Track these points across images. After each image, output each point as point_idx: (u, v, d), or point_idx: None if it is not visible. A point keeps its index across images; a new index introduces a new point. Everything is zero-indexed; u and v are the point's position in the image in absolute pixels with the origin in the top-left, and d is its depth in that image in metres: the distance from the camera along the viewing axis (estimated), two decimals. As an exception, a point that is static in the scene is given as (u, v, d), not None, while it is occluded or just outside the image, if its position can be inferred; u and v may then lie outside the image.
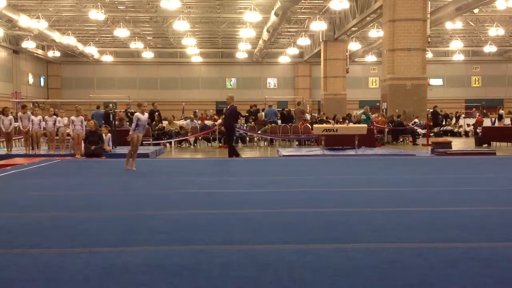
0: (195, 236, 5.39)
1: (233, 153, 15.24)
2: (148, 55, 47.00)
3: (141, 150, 16.64)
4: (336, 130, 17.29)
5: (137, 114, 11.93)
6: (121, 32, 34.89)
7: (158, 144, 19.39)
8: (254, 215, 6.52)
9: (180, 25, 32.28)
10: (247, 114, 24.75)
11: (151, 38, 44.34)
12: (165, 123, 22.05)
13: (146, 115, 12.12)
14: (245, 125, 23.22)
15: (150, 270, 4.20)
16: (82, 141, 15.42)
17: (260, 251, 4.79)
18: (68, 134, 16.04)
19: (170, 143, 20.73)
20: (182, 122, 22.85)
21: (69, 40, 38.50)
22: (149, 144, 18.69)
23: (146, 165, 12.94)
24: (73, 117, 15.43)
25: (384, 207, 6.99)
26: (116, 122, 18.93)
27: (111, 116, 18.91)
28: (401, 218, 6.25)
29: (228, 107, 15.37)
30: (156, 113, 21.53)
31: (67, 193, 8.66)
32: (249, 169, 12.38)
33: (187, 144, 21.13)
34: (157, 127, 20.63)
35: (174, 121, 22.43)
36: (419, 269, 4.15)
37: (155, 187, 9.25)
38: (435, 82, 48.23)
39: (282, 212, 6.72)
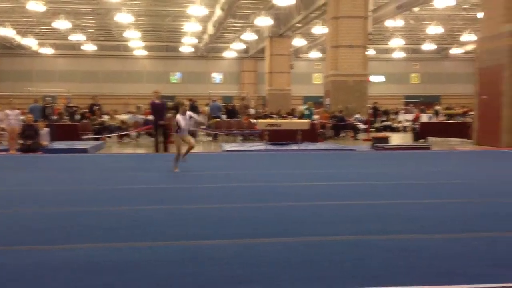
0: (135, 232, 5.31)
1: (159, 148, 15.40)
2: (89, 47, 45.85)
3: (80, 145, 16.29)
4: (280, 125, 17.42)
5: (178, 116, 10.62)
6: (62, 24, 33.86)
7: (98, 139, 18.98)
8: (196, 210, 6.49)
9: (123, 18, 31.63)
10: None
11: (93, 30, 43.26)
12: (106, 117, 21.61)
13: (188, 114, 10.75)
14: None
15: (90, 267, 4.11)
16: (18, 136, 14.89)
17: (204, 246, 4.77)
18: (3, 129, 15.47)
19: (117, 137, 20.32)
20: (124, 117, 22.44)
21: (7, 32, 37.01)
22: (88, 139, 18.27)
23: (84, 161, 12.64)
24: (8, 111, 14.88)
25: (323, 201, 7.09)
26: (55, 117, 18.38)
27: (48, 110, 18.35)
28: (340, 211, 6.37)
29: (156, 102, 15.33)
30: (96, 107, 21.07)
31: (-1, 189, 8.35)
32: (191, 164, 12.29)
33: (129, 139, 20.78)
34: (96, 122, 20.17)
35: (115, 116, 22.00)
36: (352, 261, 4.24)
37: (87, 183, 9.04)
38: (377, 78, 49.36)
39: (224, 207, 6.71)
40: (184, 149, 10.73)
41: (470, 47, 40.53)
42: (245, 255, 4.46)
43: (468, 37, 37.32)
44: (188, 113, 10.78)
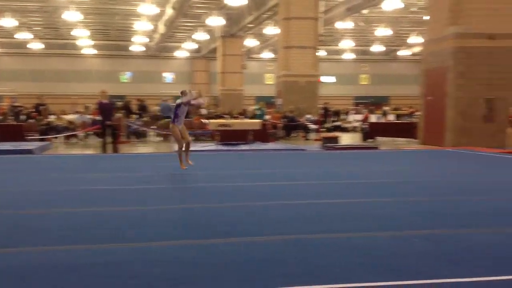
0: (77, 234, 5.17)
1: (107, 149, 15.15)
2: (36, 46, 44.55)
3: (25, 146, 15.79)
4: (231, 126, 17.42)
5: (178, 101, 9.93)
6: (8, 22, 32.76)
7: (45, 140, 18.45)
8: (146, 211, 6.39)
9: (71, 16, 30.88)
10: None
11: (40, 28, 42.05)
12: (53, 117, 21.04)
13: (187, 98, 9.87)
14: (137, 120, 22.72)
15: (27, 272, 3.97)
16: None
17: (142, 248, 4.69)
18: None
19: (64, 138, 19.79)
20: (71, 117, 21.90)
21: None
22: (34, 140, 17.74)
23: (29, 162, 12.27)
24: None
25: (271, 201, 7.11)
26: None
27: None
28: (287, 211, 6.40)
29: (103, 102, 15.08)
30: (43, 107, 20.49)
31: None
32: (141, 165, 12.11)
33: (76, 140, 20.30)
34: (43, 122, 19.61)
35: (62, 116, 21.45)
36: (297, 259, 4.26)
37: (32, 184, 8.77)
38: (328, 79, 50.04)
39: (171, 209, 6.64)
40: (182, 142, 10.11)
41: (417, 49, 41.60)
42: (186, 256, 4.41)
43: (415, 39, 38.34)
44: (187, 97, 9.79)
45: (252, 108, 30.90)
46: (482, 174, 10.46)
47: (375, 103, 45.13)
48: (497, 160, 13.09)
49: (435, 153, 15.05)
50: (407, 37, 42.04)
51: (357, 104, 46.91)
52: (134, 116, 21.69)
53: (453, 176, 10.04)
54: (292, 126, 23.34)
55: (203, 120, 22.29)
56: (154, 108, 22.85)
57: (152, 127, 21.16)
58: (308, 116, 25.66)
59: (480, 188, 8.44)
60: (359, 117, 31.36)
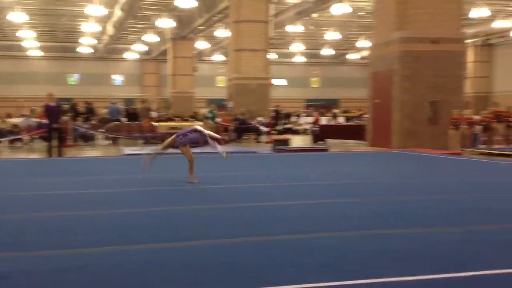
0: (26, 239, 5.02)
1: (52, 153, 14.80)
2: (-21, 47, 43.02)
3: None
4: (181, 129, 17.27)
5: (199, 128, 9.43)
6: None
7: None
8: (97, 216, 6.26)
9: (17, 17, 29.94)
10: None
11: (-18, 29, 40.59)
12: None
13: (209, 133, 9.37)
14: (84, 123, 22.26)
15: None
16: None
17: (83, 254, 4.58)
18: None
19: (8, 142, 19.16)
20: (16, 120, 21.23)
21: None
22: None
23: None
24: None
25: (219, 204, 7.09)
26: None
27: None
28: (236, 213, 6.39)
29: (50, 105, 14.73)
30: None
31: None
32: (89, 169, 11.86)
33: (21, 144, 19.69)
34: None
35: (7, 119, 20.77)
36: (246, 262, 4.26)
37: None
38: (279, 82, 50.42)
39: (114, 213, 6.52)
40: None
41: (365, 53, 42.47)
42: (137, 262, 4.34)
43: (364, 43, 39.13)
44: (206, 132, 9.26)
45: (203, 110, 30.79)
46: (425, 174, 10.76)
47: (325, 105, 45.80)
48: (439, 161, 13.51)
49: (382, 155, 15.39)
50: (356, 41, 42.83)
51: (308, 107, 47.49)
52: (81, 119, 21.21)
53: (400, 177, 10.29)
54: (243, 129, 23.38)
55: (153, 123, 22.03)
56: (103, 111, 22.41)
57: (100, 130, 20.75)
58: (260, 118, 25.77)
59: (424, 188, 8.67)
60: (310, 119, 31.75)
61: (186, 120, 24.81)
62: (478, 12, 30.23)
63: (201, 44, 42.46)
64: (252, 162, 13.50)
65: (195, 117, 26.70)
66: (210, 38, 42.44)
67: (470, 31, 36.43)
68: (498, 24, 33.37)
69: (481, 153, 15.83)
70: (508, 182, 9.66)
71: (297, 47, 44.13)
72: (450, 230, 5.46)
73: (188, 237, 5.16)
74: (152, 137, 21.31)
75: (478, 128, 17.43)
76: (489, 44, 45.45)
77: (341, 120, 31.39)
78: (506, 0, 31.92)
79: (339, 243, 4.93)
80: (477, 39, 41.43)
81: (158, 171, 10.53)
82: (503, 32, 37.08)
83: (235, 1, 26.04)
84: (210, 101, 40.75)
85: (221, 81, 51.20)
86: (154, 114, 25.80)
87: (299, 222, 5.89)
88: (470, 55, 45.35)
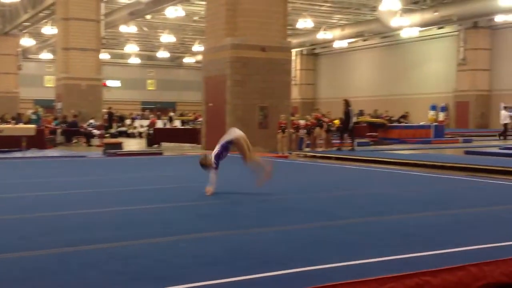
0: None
1: None
2: None
3: None
4: (1, 131, 15.99)
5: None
6: None
7: None
8: None
9: None
10: None
11: None
12: None
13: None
14: None
15: None
16: None
17: None
18: None
19: None
20: None
21: None
22: None
23: None
24: None
25: (31, 214, 6.61)
26: None
27: None
28: (56, 222, 6.02)
29: None
30: None
31: None
32: None
33: None
34: None
35: None
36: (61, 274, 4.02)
37: None
38: (113, 83, 48.99)
39: None
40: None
41: (200, 57, 43.08)
42: None
43: (198, 47, 39.64)
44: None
45: (28, 112, 28.78)
46: (245, 177, 11.16)
47: (162, 108, 45.53)
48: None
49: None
50: (192, 45, 43.26)
51: (144, 110, 46.82)
52: None
53: (228, 180, 10.55)
54: (73, 132, 22.25)
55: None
56: None
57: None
58: (91, 121, 24.78)
59: (250, 190, 8.97)
60: (146, 122, 31.31)
61: (8, 122, 22.95)
62: (304, 23, 32.33)
63: (27, 41, 39.61)
64: (79, 167, 12.87)
65: (18, 119, 24.82)
66: (37, 35, 39.82)
67: (297, 40, 38.87)
68: (322, 35, 36.06)
69: (306, 156, 16.91)
70: (322, 181, 10.40)
71: (131, 48, 43.28)
72: (264, 230, 5.70)
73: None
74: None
75: (302, 132, 18.56)
76: (314, 53, 48.92)
77: (177, 123, 31.44)
78: (329, 13, 34.64)
79: (160, 249, 4.88)
80: (303, 48, 44.27)
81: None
82: (326, 43, 40.09)
83: (62, -3, 24.76)
84: (37, 102, 38.20)
85: (49, 81, 48.26)
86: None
87: (114, 229, 5.70)
88: (298, 63, 48.43)
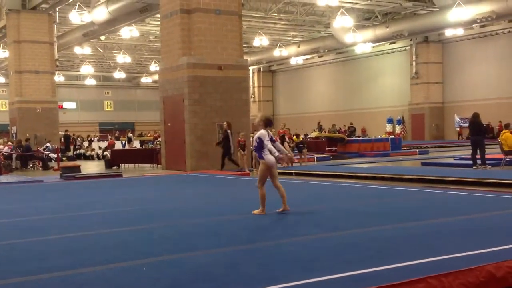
0: None
1: None
2: None
3: None
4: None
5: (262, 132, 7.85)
6: None
7: None
8: None
9: None
10: None
11: None
12: None
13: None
14: None
15: None
16: None
17: None
18: None
19: None
20: None
21: None
22: None
23: None
24: None
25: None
26: None
27: None
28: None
29: None
30: None
31: None
32: None
33: None
34: None
35: None
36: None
37: None
38: (69, 105, 48.19)
39: None
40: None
41: (157, 77, 42.89)
42: None
43: (155, 67, 39.47)
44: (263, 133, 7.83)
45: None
46: (213, 195, 11.12)
47: (120, 129, 44.97)
48: (226, 182, 14.11)
49: (176, 178, 15.53)
50: (148, 64, 43.03)
51: (101, 131, 46.17)
52: None
53: (190, 200, 10.47)
54: (28, 156, 21.70)
55: None
56: None
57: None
58: (48, 144, 24.28)
59: (209, 208, 8.92)
60: (104, 144, 30.84)
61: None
62: (259, 41, 32.66)
63: (-22, 65, 38.64)
64: (32, 192, 12.54)
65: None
66: (-12, 58, 38.86)
67: (253, 58, 39.21)
68: (278, 52, 36.49)
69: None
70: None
71: (87, 69, 42.74)
72: (224, 250, 5.67)
73: None
74: None
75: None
76: (271, 70, 49.40)
77: (136, 144, 31.07)
78: (284, 31, 35.10)
79: (123, 274, 4.78)
80: (260, 65, 44.66)
81: None
82: (282, 60, 40.56)
83: (13, 21, 24.29)
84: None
85: (3, 105, 47.14)
86: None
87: (70, 256, 5.58)
88: (256, 80, 48.77)
